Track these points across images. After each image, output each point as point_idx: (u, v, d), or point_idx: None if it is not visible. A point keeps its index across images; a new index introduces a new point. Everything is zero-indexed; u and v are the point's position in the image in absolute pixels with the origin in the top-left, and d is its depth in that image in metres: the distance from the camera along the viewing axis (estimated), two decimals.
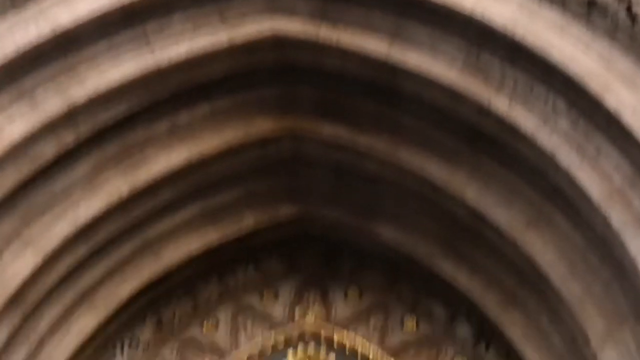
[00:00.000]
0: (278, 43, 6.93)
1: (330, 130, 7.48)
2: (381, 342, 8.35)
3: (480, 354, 8.04)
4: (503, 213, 7.07)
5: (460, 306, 8.03)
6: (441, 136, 7.13)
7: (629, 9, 6.06)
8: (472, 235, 7.43)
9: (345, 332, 8.43)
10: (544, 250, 6.90)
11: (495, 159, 7.00)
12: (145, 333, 8.39)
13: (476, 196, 7.17)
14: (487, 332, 7.95)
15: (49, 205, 7.19)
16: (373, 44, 6.73)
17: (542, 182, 6.75)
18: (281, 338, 8.46)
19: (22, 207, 7.09)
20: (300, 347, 8.46)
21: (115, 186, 7.34)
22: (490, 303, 7.61)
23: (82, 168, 7.20)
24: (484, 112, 6.64)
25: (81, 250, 7.47)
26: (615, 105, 6.03)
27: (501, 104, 6.55)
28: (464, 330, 8.14)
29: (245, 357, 8.40)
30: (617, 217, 6.15)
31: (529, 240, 6.97)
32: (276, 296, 8.61)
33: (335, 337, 8.42)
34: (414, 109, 7.06)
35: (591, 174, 6.29)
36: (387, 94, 7.05)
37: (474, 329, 8.09)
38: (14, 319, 7.21)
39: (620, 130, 6.07)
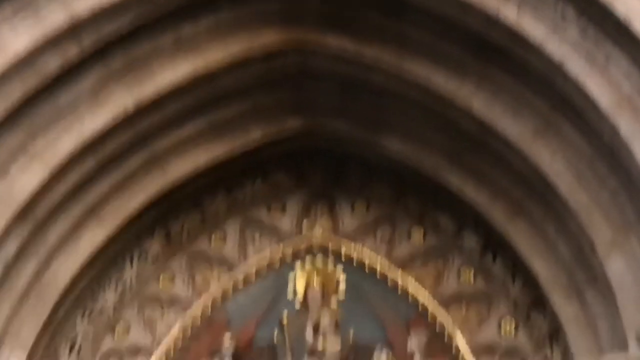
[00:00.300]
0: None
1: (335, 42, 7.40)
2: (388, 254, 8.39)
3: (487, 265, 8.09)
4: (510, 123, 7.04)
5: (467, 217, 8.05)
6: (448, 47, 7.06)
7: None
8: (478, 146, 7.42)
9: (352, 244, 8.47)
10: (552, 160, 6.89)
11: (503, 70, 6.94)
12: (154, 246, 8.44)
13: (483, 107, 7.13)
14: (493, 243, 7.98)
15: (54, 119, 7.19)
16: None
17: (550, 91, 6.71)
18: (289, 251, 8.51)
19: (28, 121, 7.09)
20: (308, 260, 8.51)
21: (121, 100, 7.31)
22: (497, 214, 7.63)
23: (87, 82, 7.16)
24: (492, 21, 6.56)
25: (88, 165, 7.49)
26: (625, 13, 5.96)
27: (510, 12, 6.46)
28: (470, 241, 8.17)
29: (254, 270, 8.46)
30: (625, 126, 6.14)
31: (536, 151, 6.96)
32: (284, 209, 8.63)
33: (343, 250, 8.46)
34: (421, 20, 6.98)
35: (600, 82, 6.25)
36: (393, 4, 6.96)
37: (480, 240, 8.12)
38: (23, 232, 7.27)
39: (630, 37, 6.01)
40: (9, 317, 7.35)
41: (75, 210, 7.65)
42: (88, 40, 6.87)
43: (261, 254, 8.51)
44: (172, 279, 8.44)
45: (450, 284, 8.18)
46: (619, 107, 6.21)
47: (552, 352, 7.59)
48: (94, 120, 7.28)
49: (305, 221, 8.59)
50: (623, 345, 6.46)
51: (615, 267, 6.54)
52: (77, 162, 7.41)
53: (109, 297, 8.25)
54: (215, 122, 7.90)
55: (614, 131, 6.25)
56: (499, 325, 7.93)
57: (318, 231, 8.54)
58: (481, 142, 7.35)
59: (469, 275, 8.17)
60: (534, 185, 7.16)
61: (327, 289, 8.37)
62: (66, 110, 7.21)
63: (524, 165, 7.10)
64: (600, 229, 6.66)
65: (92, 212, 7.77)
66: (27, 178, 7.16)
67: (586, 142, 6.69)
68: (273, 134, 8.09)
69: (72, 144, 7.26)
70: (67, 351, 7.98)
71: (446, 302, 8.11)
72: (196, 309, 8.33)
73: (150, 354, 8.16)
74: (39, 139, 7.19)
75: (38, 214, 7.35)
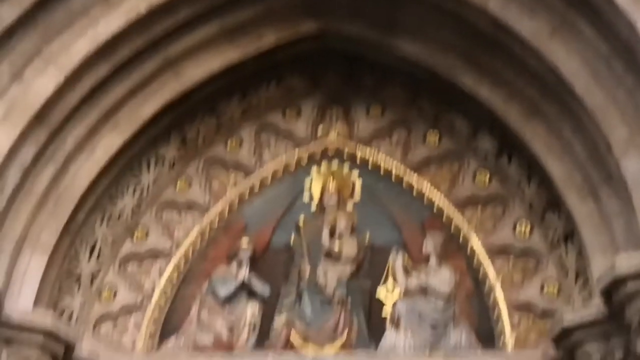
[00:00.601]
0: None
1: None
2: (404, 158, 8.40)
3: (502, 166, 8.06)
4: (526, 22, 6.95)
5: (483, 119, 8.00)
6: None
7: None
8: (494, 46, 7.33)
9: (367, 148, 8.48)
10: (568, 59, 6.83)
11: None
12: (170, 151, 8.45)
13: (499, 6, 7.03)
14: (509, 144, 7.94)
15: (68, 23, 7.18)
16: None
17: None
18: (305, 155, 8.54)
19: (41, 25, 7.09)
20: (323, 164, 8.54)
21: (133, 3, 7.27)
22: (513, 115, 7.58)
23: None
24: None
25: (102, 69, 7.48)
26: None
27: None
28: (486, 143, 8.13)
29: (270, 174, 8.51)
30: None
31: (552, 49, 6.88)
32: (299, 113, 8.63)
33: (358, 154, 8.49)
34: None
35: None
36: None
37: (496, 142, 8.07)
38: (39, 137, 7.31)
39: None
40: (28, 222, 7.42)
41: (91, 115, 7.66)
42: None
43: (277, 158, 8.54)
44: (189, 184, 8.50)
45: (465, 187, 8.19)
46: (636, 4, 6.13)
47: (566, 252, 7.60)
48: (107, 23, 7.27)
49: (320, 125, 8.59)
50: (638, 244, 6.47)
51: (631, 165, 6.52)
52: (92, 67, 7.41)
53: (127, 202, 8.29)
54: (228, 25, 7.84)
55: (631, 28, 6.18)
56: (514, 227, 7.95)
57: (333, 135, 8.55)
58: (496, 42, 7.26)
59: (484, 177, 8.17)
60: (550, 85, 7.10)
61: (343, 192, 8.42)
62: (80, 14, 7.21)
63: (539, 64, 7.03)
64: (616, 128, 6.63)
65: (108, 117, 7.78)
66: (42, 82, 7.19)
67: (603, 40, 6.61)
68: (286, 37, 8.00)
69: (86, 47, 7.27)
70: (87, 255, 8.05)
71: (461, 205, 8.14)
72: (213, 214, 8.41)
73: (169, 257, 8.26)
74: (53, 43, 7.20)
75: (53, 119, 7.38)
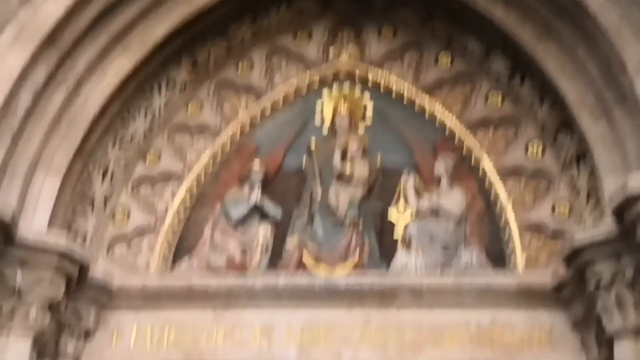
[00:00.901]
0: None
1: None
2: (416, 80, 8.37)
3: (515, 88, 8.03)
4: None
5: (495, 40, 7.93)
6: None
7: None
8: None
9: (379, 70, 8.44)
10: None
11: None
12: (181, 74, 8.43)
13: None
14: (522, 65, 7.89)
15: None
16: None
17: None
18: (316, 78, 8.51)
19: None
20: (335, 87, 8.51)
21: None
22: (525, 35, 7.51)
23: None
24: None
25: None
26: None
27: None
28: (498, 65, 8.08)
29: (281, 97, 8.49)
30: None
31: None
32: (310, 36, 8.57)
33: (370, 76, 8.44)
34: None
35: None
36: None
37: (508, 63, 8.02)
38: (50, 59, 7.30)
39: None
40: (41, 144, 7.43)
41: (102, 38, 7.63)
42: None
43: (288, 81, 8.52)
44: (201, 107, 8.50)
45: (477, 108, 8.17)
46: None
47: (578, 172, 7.60)
48: None
49: (331, 48, 8.54)
50: None
51: None
52: None
53: (138, 125, 8.30)
54: None
55: None
56: (526, 148, 7.95)
57: (344, 58, 8.51)
58: None
59: (496, 99, 8.15)
60: (563, 4, 7.03)
61: (355, 115, 8.41)
62: None
63: None
64: (630, 47, 6.58)
65: (118, 40, 7.74)
66: (53, 4, 7.15)
67: None
68: None
69: None
70: (100, 177, 8.09)
71: (473, 126, 8.13)
72: (225, 137, 8.43)
73: (181, 180, 8.30)
74: None
75: (64, 41, 7.36)
